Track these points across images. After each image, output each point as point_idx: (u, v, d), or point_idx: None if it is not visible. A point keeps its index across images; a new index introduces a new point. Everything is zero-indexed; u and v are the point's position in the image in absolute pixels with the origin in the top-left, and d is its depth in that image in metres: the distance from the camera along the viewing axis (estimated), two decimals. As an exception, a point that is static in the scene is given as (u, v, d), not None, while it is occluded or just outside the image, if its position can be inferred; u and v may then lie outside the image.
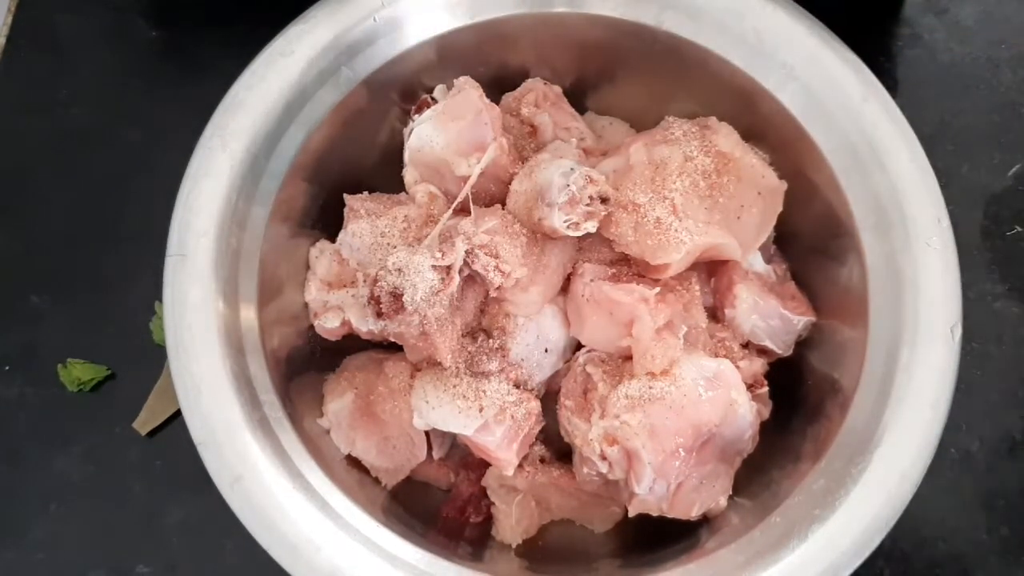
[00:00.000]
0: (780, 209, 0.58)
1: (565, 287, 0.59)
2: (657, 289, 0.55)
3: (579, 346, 0.59)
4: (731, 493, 0.56)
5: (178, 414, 0.66)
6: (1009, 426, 0.67)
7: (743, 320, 0.58)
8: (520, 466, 0.58)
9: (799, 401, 0.59)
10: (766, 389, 0.58)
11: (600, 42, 0.60)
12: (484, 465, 0.60)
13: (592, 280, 0.57)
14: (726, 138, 0.58)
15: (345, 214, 0.60)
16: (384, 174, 0.62)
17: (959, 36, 0.76)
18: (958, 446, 0.67)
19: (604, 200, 0.53)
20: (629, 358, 0.56)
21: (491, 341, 0.57)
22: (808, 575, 0.49)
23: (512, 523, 0.59)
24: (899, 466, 0.50)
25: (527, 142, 0.62)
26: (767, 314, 0.58)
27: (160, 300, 0.53)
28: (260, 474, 0.50)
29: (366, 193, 0.61)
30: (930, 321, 0.52)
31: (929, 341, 0.52)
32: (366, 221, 0.58)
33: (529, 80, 0.64)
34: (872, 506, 0.50)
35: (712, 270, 0.60)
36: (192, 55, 0.77)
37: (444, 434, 0.60)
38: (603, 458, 0.54)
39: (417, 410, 0.56)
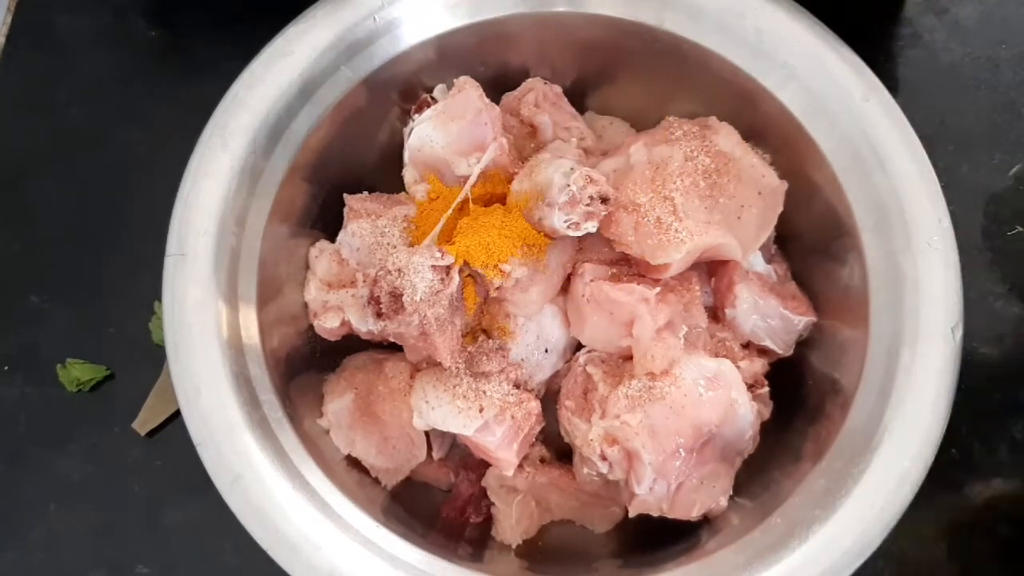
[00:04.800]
0: (780, 209, 0.58)
1: (565, 287, 0.59)
2: (657, 289, 0.55)
3: (579, 346, 0.59)
4: (731, 493, 0.56)
5: (178, 414, 0.66)
6: (1010, 426, 0.67)
7: (743, 320, 0.58)
8: (520, 466, 0.58)
9: (800, 401, 0.59)
10: (767, 389, 0.58)
11: (600, 42, 0.60)
12: (484, 465, 0.60)
13: (592, 280, 0.56)
14: (726, 138, 0.57)
15: (345, 214, 0.60)
16: (384, 174, 0.62)
17: (959, 36, 0.76)
18: (959, 446, 0.67)
19: (604, 200, 0.53)
20: (629, 358, 0.55)
21: (491, 341, 0.57)
22: (809, 575, 0.49)
23: (512, 523, 0.59)
24: (900, 466, 0.50)
25: (527, 142, 0.62)
26: (768, 314, 0.58)
27: (160, 300, 0.53)
28: (259, 474, 0.50)
29: (366, 193, 0.61)
30: (931, 321, 0.52)
31: (930, 341, 0.52)
32: (366, 221, 0.58)
33: (529, 80, 0.64)
34: (873, 506, 0.50)
35: (712, 270, 0.60)
36: (192, 55, 0.77)
37: (444, 434, 0.60)
38: (603, 458, 0.54)
39: (417, 410, 0.56)
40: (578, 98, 0.65)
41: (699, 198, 0.56)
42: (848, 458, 0.51)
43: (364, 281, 0.58)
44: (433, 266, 0.51)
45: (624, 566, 0.57)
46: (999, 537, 0.65)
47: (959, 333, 0.52)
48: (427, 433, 0.58)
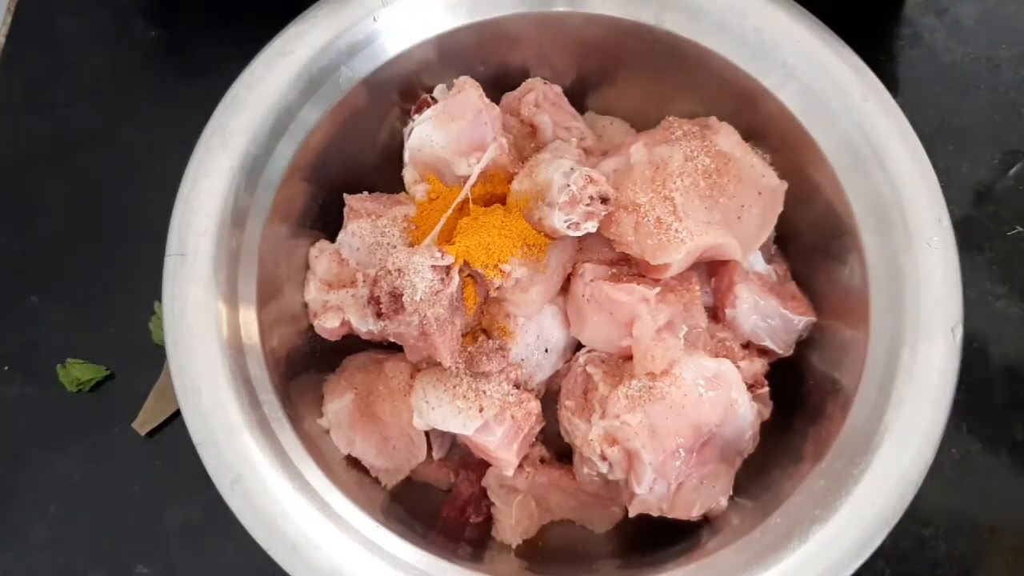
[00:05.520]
0: (780, 209, 0.58)
1: (565, 287, 0.59)
2: (657, 289, 0.55)
3: (579, 346, 0.59)
4: (731, 493, 0.56)
5: (178, 414, 0.66)
6: (1009, 426, 0.67)
7: (744, 320, 0.58)
8: (520, 466, 0.58)
9: (800, 401, 0.59)
10: (767, 389, 0.58)
11: (600, 42, 0.60)
12: (484, 465, 0.60)
13: (592, 280, 0.56)
14: (726, 138, 0.57)
15: (345, 214, 0.60)
16: (384, 174, 0.62)
17: (959, 36, 0.76)
18: (959, 446, 0.67)
19: (604, 200, 0.53)
20: (629, 358, 0.55)
21: (491, 341, 0.57)
22: (809, 575, 0.49)
23: (512, 523, 0.59)
24: (900, 466, 0.50)
25: (527, 142, 0.62)
26: (768, 314, 0.58)
27: (160, 300, 0.53)
28: (260, 474, 0.50)
29: (366, 193, 0.61)
30: (931, 321, 0.52)
31: (930, 341, 0.52)
32: (366, 221, 0.58)
33: (529, 80, 0.64)
34: (873, 506, 0.50)
35: (712, 270, 0.60)
36: (192, 55, 0.77)
37: (444, 434, 0.60)
38: (603, 458, 0.54)
39: (417, 410, 0.56)
40: (578, 98, 0.65)
41: (699, 198, 0.56)
42: (848, 458, 0.51)
43: (364, 281, 0.58)
44: (433, 266, 0.51)
45: (624, 566, 0.57)
46: (1000, 537, 0.65)
47: (959, 333, 0.52)
48: (427, 433, 0.58)
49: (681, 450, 0.53)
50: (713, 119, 0.59)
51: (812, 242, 0.60)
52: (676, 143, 0.57)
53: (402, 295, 0.51)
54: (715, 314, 0.60)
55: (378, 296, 0.52)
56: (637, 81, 0.63)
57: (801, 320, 0.59)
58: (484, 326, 0.58)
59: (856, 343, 0.54)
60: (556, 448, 0.61)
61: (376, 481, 0.59)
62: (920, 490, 0.50)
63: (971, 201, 0.72)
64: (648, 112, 0.63)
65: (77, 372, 0.67)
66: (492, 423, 0.54)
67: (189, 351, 0.51)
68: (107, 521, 0.66)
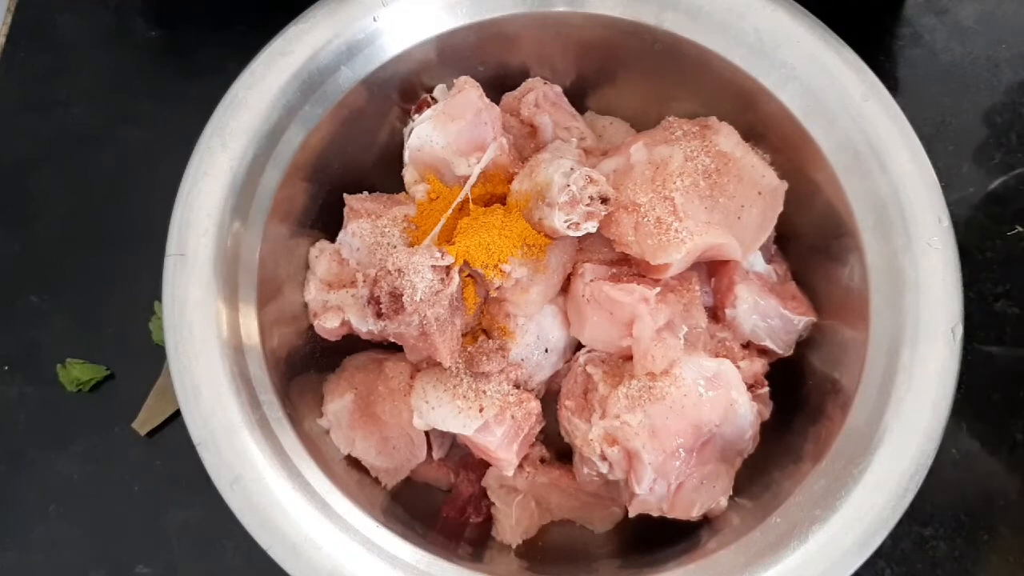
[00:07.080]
0: (780, 209, 0.58)
1: (565, 287, 0.59)
2: (657, 289, 0.55)
3: (579, 346, 0.59)
4: (731, 493, 0.56)
5: (178, 414, 0.66)
6: (1009, 426, 0.67)
7: (743, 320, 0.58)
8: (520, 466, 0.58)
9: (800, 401, 0.59)
10: (767, 389, 0.58)
11: (600, 42, 0.60)
12: (484, 465, 0.60)
13: (592, 280, 0.57)
14: (727, 138, 0.57)
15: (345, 214, 0.60)
16: (384, 174, 0.62)
17: (959, 36, 0.76)
18: (958, 446, 0.67)
19: (604, 200, 0.53)
20: (629, 358, 0.55)
21: (491, 341, 0.57)
22: (809, 575, 0.49)
23: (512, 523, 0.59)
24: (900, 466, 0.50)
25: (527, 142, 0.62)
26: (768, 314, 0.58)
27: (160, 300, 0.53)
28: (260, 474, 0.50)
29: (366, 193, 0.61)
30: (931, 321, 0.52)
31: (930, 341, 0.52)
32: (366, 221, 0.58)
33: (529, 80, 0.64)
34: (873, 506, 0.50)
35: (712, 270, 0.60)
36: (192, 55, 0.77)
37: (444, 434, 0.60)
38: (603, 458, 0.54)
39: (417, 410, 0.56)
40: (578, 98, 0.65)
41: (699, 198, 0.56)
42: (848, 458, 0.51)
43: (364, 281, 0.58)
44: (433, 266, 0.51)
45: (624, 566, 0.57)
46: (1000, 537, 0.65)
47: (959, 333, 0.52)
48: (427, 433, 0.58)
49: (681, 450, 0.53)
50: (713, 119, 0.59)
51: (812, 242, 0.60)
52: (676, 143, 0.57)
53: (402, 295, 0.51)
54: (715, 314, 0.60)
55: (378, 296, 0.52)
56: (637, 81, 0.63)
57: (801, 320, 0.59)
58: (484, 326, 0.58)
59: (856, 343, 0.54)
60: (556, 448, 0.61)
61: (376, 481, 0.59)
62: (920, 490, 0.50)
63: (971, 201, 0.72)
64: (648, 112, 0.63)
65: (77, 372, 0.67)
66: (492, 423, 0.54)
67: (189, 351, 0.51)
68: (107, 521, 0.66)
